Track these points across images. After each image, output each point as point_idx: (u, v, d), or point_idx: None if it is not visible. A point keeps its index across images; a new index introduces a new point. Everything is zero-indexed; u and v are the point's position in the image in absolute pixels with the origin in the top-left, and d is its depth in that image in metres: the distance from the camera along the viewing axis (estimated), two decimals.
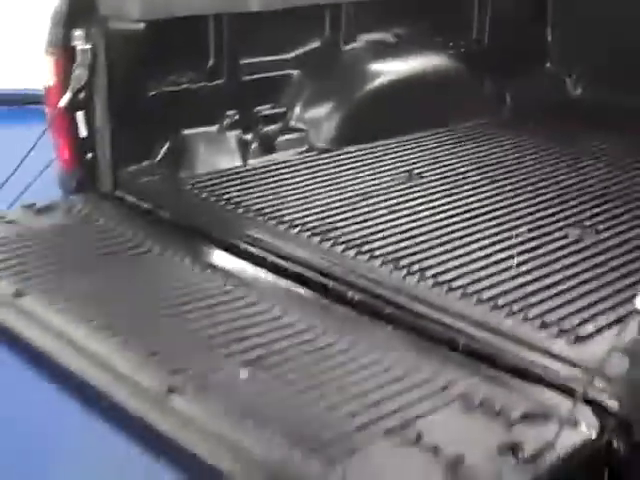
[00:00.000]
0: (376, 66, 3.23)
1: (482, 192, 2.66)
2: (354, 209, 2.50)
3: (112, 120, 2.67)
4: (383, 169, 2.86)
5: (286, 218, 2.41)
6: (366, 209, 2.50)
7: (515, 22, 3.73)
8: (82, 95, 2.64)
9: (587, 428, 1.52)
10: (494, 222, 2.41)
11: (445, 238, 2.29)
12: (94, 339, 1.82)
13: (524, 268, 2.10)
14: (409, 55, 3.33)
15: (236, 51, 2.93)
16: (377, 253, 2.19)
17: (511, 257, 2.15)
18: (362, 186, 2.70)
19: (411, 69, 3.30)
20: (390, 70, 3.25)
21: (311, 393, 1.61)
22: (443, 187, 2.70)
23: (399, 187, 2.70)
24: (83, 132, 2.68)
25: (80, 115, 2.67)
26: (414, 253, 2.19)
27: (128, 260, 2.24)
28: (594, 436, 1.51)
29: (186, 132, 2.84)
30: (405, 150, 3.04)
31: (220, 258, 2.28)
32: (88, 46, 2.60)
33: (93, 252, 2.28)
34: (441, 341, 1.83)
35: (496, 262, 2.14)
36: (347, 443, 1.47)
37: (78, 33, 2.60)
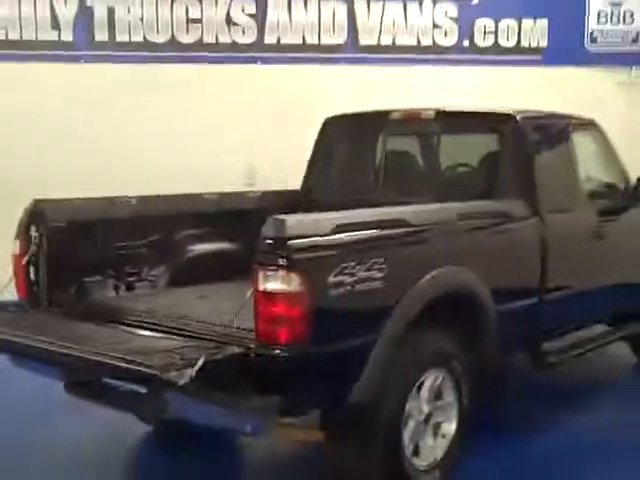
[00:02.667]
0: (189, 246, 6.01)
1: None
2: (170, 303, 5.15)
3: (47, 272, 5.19)
4: (193, 293, 5.56)
5: (137, 309, 5.01)
6: (172, 303, 5.15)
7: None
8: (33, 259, 5.20)
9: (238, 350, 4.12)
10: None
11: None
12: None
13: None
14: (208, 241, 6.12)
15: (112, 239, 5.59)
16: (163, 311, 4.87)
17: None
18: (177, 297, 5.41)
19: (208, 248, 6.11)
20: (197, 248, 6.04)
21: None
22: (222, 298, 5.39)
23: (193, 300, 5.38)
24: (32, 277, 5.22)
25: (31, 269, 5.21)
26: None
27: (64, 319, 4.85)
28: (240, 351, 4.12)
29: (86, 279, 5.39)
30: (206, 288, 5.71)
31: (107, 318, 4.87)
32: (37, 234, 5.16)
33: (47, 317, 4.87)
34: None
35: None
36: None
37: (32, 227, 5.20)
